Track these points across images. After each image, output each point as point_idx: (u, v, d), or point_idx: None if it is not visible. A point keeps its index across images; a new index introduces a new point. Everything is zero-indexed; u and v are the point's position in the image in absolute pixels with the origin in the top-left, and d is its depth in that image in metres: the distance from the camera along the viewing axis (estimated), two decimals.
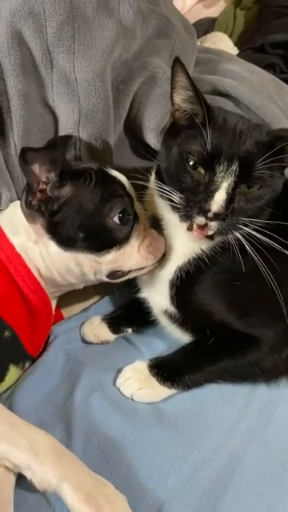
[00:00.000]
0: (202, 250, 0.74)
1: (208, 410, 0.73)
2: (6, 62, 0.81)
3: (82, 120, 0.85)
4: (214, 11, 2.05)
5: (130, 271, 0.78)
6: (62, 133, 0.87)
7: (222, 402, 0.74)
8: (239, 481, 0.66)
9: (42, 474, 0.59)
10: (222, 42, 1.55)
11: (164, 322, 0.83)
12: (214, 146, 0.66)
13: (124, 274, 0.78)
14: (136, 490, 0.63)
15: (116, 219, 0.74)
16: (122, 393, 0.74)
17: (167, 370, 0.74)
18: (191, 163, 0.68)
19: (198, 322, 0.77)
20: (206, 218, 0.65)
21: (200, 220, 0.66)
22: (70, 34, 0.81)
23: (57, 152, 0.71)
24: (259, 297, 0.74)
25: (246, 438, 0.71)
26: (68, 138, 0.85)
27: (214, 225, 0.66)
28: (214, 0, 2.09)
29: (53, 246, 0.74)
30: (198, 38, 1.52)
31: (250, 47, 1.61)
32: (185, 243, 0.76)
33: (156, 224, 0.79)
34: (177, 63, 0.70)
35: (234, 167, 0.65)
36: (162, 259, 0.79)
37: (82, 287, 0.84)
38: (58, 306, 0.88)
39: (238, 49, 1.68)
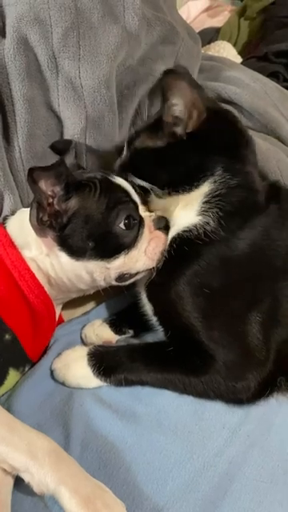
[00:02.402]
0: (173, 235, 0.78)
1: (208, 415, 0.73)
2: (12, 67, 0.82)
3: (89, 126, 0.86)
4: (218, 21, 2.07)
5: (137, 273, 0.79)
6: (67, 138, 0.88)
7: (223, 408, 0.73)
8: (239, 488, 0.65)
9: (40, 477, 0.58)
10: (225, 51, 1.57)
11: (149, 315, 0.82)
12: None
13: (132, 275, 0.79)
14: (134, 495, 0.63)
15: (122, 225, 0.76)
16: (54, 376, 0.76)
17: (105, 365, 0.74)
18: None
19: (166, 317, 0.78)
20: None
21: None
22: (75, 39, 0.81)
23: (62, 167, 0.72)
24: (227, 313, 0.74)
25: (247, 444, 0.70)
26: (68, 142, 0.86)
27: None
28: (219, 10, 2.11)
29: (64, 257, 0.75)
30: (202, 46, 1.53)
31: (254, 56, 1.63)
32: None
33: (162, 225, 0.80)
34: None
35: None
36: None
37: (91, 292, 0.85)
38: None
39: (242, 58, 1.69)
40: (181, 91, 0.74)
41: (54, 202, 0.73)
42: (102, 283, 0.79)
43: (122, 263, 0.76)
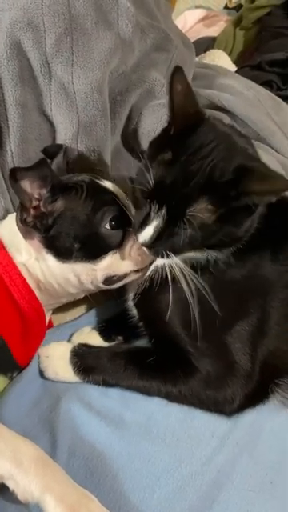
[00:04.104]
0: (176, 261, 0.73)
1: (198, 423, 0.72)
2: (5, 72, 0.82)
3: (81, 131, 0.86)
4: (214, 31, 2.09)
5: (125, 275, 0.79)
6: (59, 143, 0.87)
7: (212, 416, 0.73)
8: (227, 497, 0.65)
9: (25, 484, 0.57)
10: (220, 59, 1.58)
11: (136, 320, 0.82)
12: (157, 182, 0.65)
13: (120, 278, 0.79)
14: (120, 503, 0.62)
15: (108, 226, 0.76)
16: (38, 363, 0.78)
17: (86, 364, 0.75)
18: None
19: (152, 324, 0.78)
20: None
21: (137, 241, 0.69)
22: (68, 45, 0.82)
23: (46, 168, 0.72)
24: (213, 325, 0.73)
25: (235, 452, 0.69)
26: (59, 146, 0.86)
27: (146, 249, 0.69)
28: (215, 20, 2.13)
29: (51, 260, 0.75)
30: (198, 55, 1.54)
31: (248, 65, 1.64)
32: None
33: None
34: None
35: (163, 212, 0.64)
36: None
37: (82, 297, 0.84)
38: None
39: (237, 67, 1.70)
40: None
41: (40, 205, 0.73)
42: (90, 286, 0.79)
43: (108, 264, 0.76)
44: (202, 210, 0.63)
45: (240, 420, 0.73)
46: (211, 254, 0.69)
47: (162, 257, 0.68)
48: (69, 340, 0.85)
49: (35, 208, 0.73)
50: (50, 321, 0.88)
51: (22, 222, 0.73)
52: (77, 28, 0.81)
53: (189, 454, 0.68)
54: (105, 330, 0.85)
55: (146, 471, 0.66)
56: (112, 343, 0.85)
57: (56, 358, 0.78)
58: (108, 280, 0.79)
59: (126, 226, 0.77)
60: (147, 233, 0.67)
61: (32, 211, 0.73)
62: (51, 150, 0.86)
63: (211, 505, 0.64)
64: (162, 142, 0.70)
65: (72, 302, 0.87)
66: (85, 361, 0.76)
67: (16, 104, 0.83)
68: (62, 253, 0.75)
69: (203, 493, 0.65)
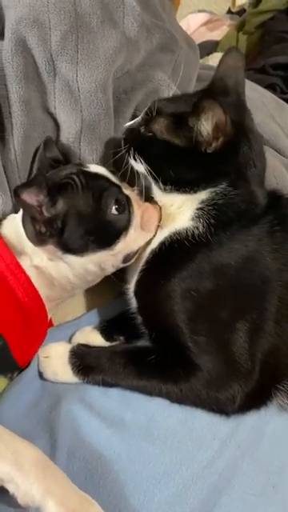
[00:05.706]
0: (165, 236, 0.78)
1: (199, 425, 0.71)
2: (9, 68, 0.81)
3: (84, 130, 0.85)
4: (217, 35, 2.09)
5: (139, 248, 0.81)
6: (63, 141, 0.87)
7: (214, 418, 0.72)
8: (228, 501, 0.64)
9: (26, 487, 0.56)
10: None
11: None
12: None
13: (135, 252, 0.81)
14: (120, 506, 0.61)
15: (114, 211, 0.77)
16: (38, 364, 0.78)
17: (85, 364, 0.75)
18: None
19: (152, 317, 0.78)
20: None
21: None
22: (73, 43, 0.81)
23: (39, 175, 0.74)
24: (214, 320, 0.73)
25: (237, 456, 0.69)
26: (50, 141, 0.86)
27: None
28: (218, 24, 2.14)
29: (69, 257, 0.76)
30: (201, 58, 1.54)
31: (252, 68, 1.64)
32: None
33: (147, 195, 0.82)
34: None
35: (144, 110, 0.82)
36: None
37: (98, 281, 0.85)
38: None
39: None
40: (213, 118, 0.71)
41: (43, 211, 0.73)
42: (111, 269, 0.80)
43: (124, 246, 0.78)
44: (160, 122, 0.78)
45: (242, 422, 0.72)
46: (189, 228, 0.76)
47: (130, 154, 0.80)
48: (69, 340, 0.84)
49: (40, 214, 0.73)
50: (50, 320, 0.87)
51: (37, 234, 0.74)
52: (82, 26, 0.81)
53: (190, 456, 0.68)
54: (106, 330, 0.85)
55: (146, 474, 0.65)
56: (113, 343, 0.84)
57: (55, 358, 0.77)
58: (126, 258, 0.80)
59: (128, 206, 0.79)
60: (127, 124, 0.85)
61: (41, 220, 0.73)
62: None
63: (212, 508, 0.63)
64: None
65: (73, 303, 0.87)
66: (84, 361, 0.75)
67: (20, 101, 0.82)
68: (78, 249, 0.76)
69: (204, 496, 0.64)
